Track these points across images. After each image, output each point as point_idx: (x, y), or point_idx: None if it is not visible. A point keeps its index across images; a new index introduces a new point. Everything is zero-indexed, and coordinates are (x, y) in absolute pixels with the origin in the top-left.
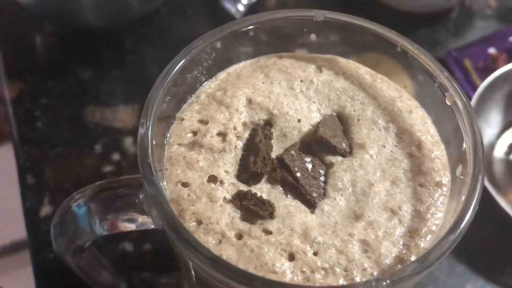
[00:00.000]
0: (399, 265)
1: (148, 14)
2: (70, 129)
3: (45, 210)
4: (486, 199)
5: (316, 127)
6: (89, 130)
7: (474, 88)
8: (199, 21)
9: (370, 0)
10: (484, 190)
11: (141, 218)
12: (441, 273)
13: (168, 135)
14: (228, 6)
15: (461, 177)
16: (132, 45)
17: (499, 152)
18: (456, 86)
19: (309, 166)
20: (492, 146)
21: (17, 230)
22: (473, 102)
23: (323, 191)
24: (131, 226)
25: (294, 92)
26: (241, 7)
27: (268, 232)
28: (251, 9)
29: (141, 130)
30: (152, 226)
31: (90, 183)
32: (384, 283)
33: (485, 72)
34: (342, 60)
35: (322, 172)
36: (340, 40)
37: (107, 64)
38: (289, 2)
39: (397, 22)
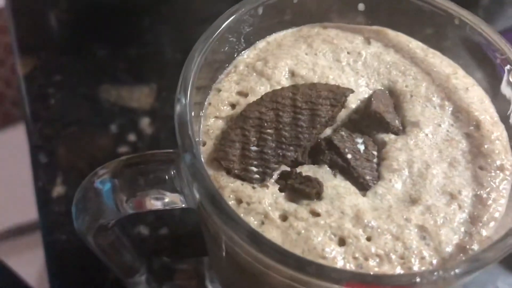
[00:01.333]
0: (461, 254)
1: None
2: (84, 107)
3: (58, 190)
4: None
5: (368, 101)
6: (104, 109)
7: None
8: (218, 1)
9: None
10: None
11: (171, 197)
12: None
13: (205, 106)
14: None
15: None
16: (150, 23)
17: None
18: None
19: (361, 147)
20: None
21: (29, 211)
22: None
23: (377, 173)
24: (158, 205)
25: (340, 65)
26: None
27: (316, 214)
28: None
29: (179, 99)
30: (183, 205)
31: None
32: (453, 273)
33: None
34: (391, 33)
35: (375, 153)
36: (392, 10)
37: (123, 42)
38: None
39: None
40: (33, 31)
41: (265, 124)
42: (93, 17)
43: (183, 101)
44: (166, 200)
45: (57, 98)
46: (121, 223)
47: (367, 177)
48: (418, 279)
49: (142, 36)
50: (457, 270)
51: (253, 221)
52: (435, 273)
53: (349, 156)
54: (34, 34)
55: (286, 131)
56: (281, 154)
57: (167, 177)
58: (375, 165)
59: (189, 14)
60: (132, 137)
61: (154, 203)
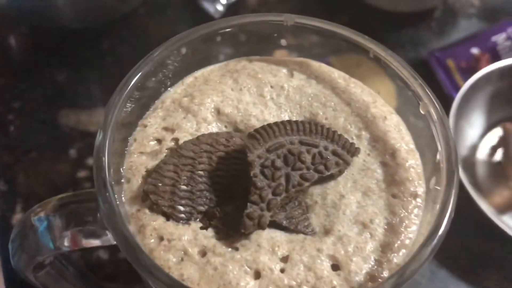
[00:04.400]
0: (369, 283)
1: (126, 14)
2: (44, 133)
3: (17, 217)
4: (468, 202)
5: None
6: (63, 134)
7: (457, 88)
8: (178, 21)
9: (354, 0)
10: (466, 193)
11: (103, 235)
12: (423, 278)
13: (130, 143)
14: (207, 6)
15: (437, 187)
16: (110, 46)
17: (482, 154)
18: (430, 95)
19: (293, 209)
20: (474, 147)
21: None
22: (455, 103)
23: (308, 221)
24: (95, 242)
25: (264, 100)
26: (220, 7)
27: (234, 248)
28: (230, 9)
29: (97, 141)
30: (115, 242)
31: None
32: None
33: (468, 72)
34: (314, 64)
35: (304, 204)
36: (312, 44)
37: (83, 65)
38: (270, 1)
39: (381, 22)
40: None
41: (198, 166)
42: (53, 41)
43: (102, 137)
44: (103, 236)
45: (16, 125)
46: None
47: (305, 230)
48: None
49: (102, 59)
50: None
51: (172, 258)
52: None
53: (286, 224)
54: None
55: (218, 176)
56: (209, 197)
57: (98, 215)
58: (305, 211)
59: (148, 35)
60: (91, 161)
61: (91, 241)
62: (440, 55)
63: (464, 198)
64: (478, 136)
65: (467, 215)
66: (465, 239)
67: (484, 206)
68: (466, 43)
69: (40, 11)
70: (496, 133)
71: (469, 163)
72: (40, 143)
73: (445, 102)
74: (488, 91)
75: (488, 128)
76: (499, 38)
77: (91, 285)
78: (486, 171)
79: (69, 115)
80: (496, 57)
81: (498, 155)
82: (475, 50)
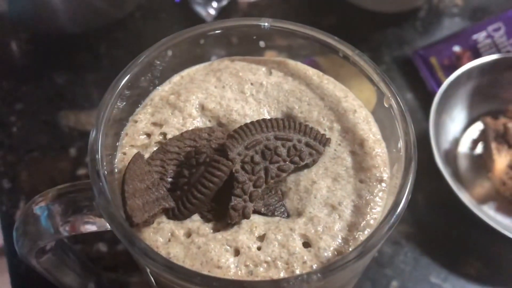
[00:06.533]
0: (337, 258)
1: (121, 19)
2: (45, 133)
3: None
4: (450, 195)
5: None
6: (63, 134)
7: (440, 85)
8: (171, 25)
9: (339, 1)
10: (447, 185)
11: (99, 221)
12: (406, 266)
13: (121, 137)
14: (199, 10)
15: (397, 173)
16: (106, 49)
17: (463, 147)
18: (393, 90)
19: (270, 197)
20: (456, 141)
21: None
22: (436, 98)
23: (284, 207)
24: (92, 228)
25: (244, 96)
26: (212, 11)
27: (216, 230)
28: (222, 13)
29: (91, 136)
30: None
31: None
32: (315, 276)
33: (450, 69)
34: (291, 62)
35: (279, 192)
36: (300, 46)
37: (81, 68)
38: (261, 4)
39: (368, 22)
40: None
41: (183, 160)
42: (52, 46)
43: (96, 132)
44: (99, 222)
45: (18, 126)
46: (79, 240)
47: (281, 215)
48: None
49: (99, 62)
50: (319, 274)
51: (160, 239)
52: (300, 278)
53: (264, 211)
54: None
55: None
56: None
57: (94, 203)
58: (282, 202)
59: (143, 38)
60: None
61: (88, 227)
62: (423, 53)
63: (446, 190)
64: (459, 130)
65: (449, 206)
66: (447, 228)
67: (465, 197)
68: (448, 41)
69: (40, 18)
70: (477, 127)
71: (451, 156)
72: (42, 143)
73: (429, 98)
74: (469, 87)
75: (470, 122)
76: (480, 36)
77: (91, 272)
78: (468, 164)
79: (68, 116)
80: (477, 55)
81: (479, 148)
82: (457, 48)
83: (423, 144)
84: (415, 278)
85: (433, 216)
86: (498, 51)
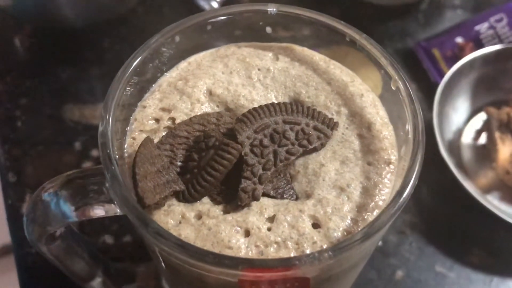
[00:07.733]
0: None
1: (124, 14)
2: (49, 127)
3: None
4: (454, 184)
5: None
6: (68, 128)
7: (443, 76)
8: (174, 19)
9: None
10: (452, 175)
11: (109, 205)
12: (411, 255)
13: (130, 122)
14: (203, 3)
15: (406, 155)
16: (110, 44)
17: (467, 138)
18: (400, 73)
19: (279, 180)
20: (460, 132)
21: (1, 235)
22: (439, 89)
23: (292, 190)
24: (101, 213)
25: (252, 82)
26: (215, 4)
27: (226, 212)
28: (225, 6)
29: (101, 122)
30: (120, 212)
31: None
32: (326, 254)
33: (452, 60)
34: (297, 48)
35: (288, 175)
36: (295, 32)
37: (85, 63)
38: None
39: (370, 15)
40: None
41: (192, 144)
42: (55, 41)
43: (106, 117)
44: (108, 207)
45: (23, 120)
46: (86, 232)
47: (290, 198)
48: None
49: (103, 57)
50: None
51: (171, 221)
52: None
53: (273, 194)
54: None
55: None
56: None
57: (104, 188)
58: (290, 181)
59: (146, 33)
60: (95, 153)
61: (96, 212)
62: (426, 45)
63: (450, 180)
64: (463, 120)
65: (454, 195)
66: (452, 218)
67: (470, 186)
68: (450, 33)
69: (44, 12)
70: (481, 117)
71: (455, 147)
72: (46, 137)
73: (432, 90)
74: (472, 78)
75: (473, 112)
76: (482, 27)
77: (99, 261)
78: (471, 154)
79: (73, 110)
80: (479, 46)
81: (483, 139)
82: (459, 39)
83: (427, 134)
84: (420, 267)
85: (438, 206)
86: (501, 41)
